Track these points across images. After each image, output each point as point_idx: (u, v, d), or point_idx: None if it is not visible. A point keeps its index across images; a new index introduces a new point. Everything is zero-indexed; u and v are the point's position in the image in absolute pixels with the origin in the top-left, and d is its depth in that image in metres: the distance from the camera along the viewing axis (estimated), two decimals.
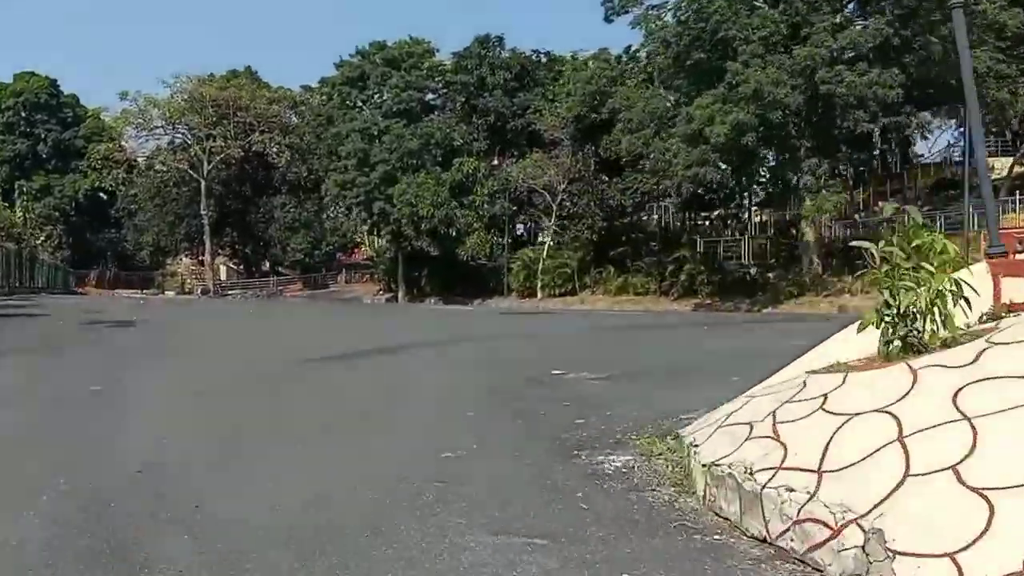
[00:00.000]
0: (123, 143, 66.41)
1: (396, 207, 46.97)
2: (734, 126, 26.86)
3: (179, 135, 66.47)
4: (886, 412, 4.30)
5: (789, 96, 26.37)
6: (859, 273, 22.34)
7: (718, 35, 29.02)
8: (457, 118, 48.42)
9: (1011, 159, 37.13)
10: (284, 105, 66.08)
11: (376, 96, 52.62)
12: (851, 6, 28.97)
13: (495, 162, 46.28)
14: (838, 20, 27.06)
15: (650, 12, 32.38)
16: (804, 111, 27.33)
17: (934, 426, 4.02)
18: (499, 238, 48.93)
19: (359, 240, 70.85)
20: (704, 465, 4.79)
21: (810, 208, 28.10)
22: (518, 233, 52.20)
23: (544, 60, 48.96)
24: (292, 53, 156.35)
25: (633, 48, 35.29)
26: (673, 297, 36.38)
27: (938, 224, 30.30)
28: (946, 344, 4.87)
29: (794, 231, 35.83)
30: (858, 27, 26.95)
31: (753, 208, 40.48)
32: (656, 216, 44.88)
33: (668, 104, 32.21)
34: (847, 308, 28.82)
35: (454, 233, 46.16)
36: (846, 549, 3.55)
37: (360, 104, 53.15)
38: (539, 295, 44.26)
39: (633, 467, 5.59)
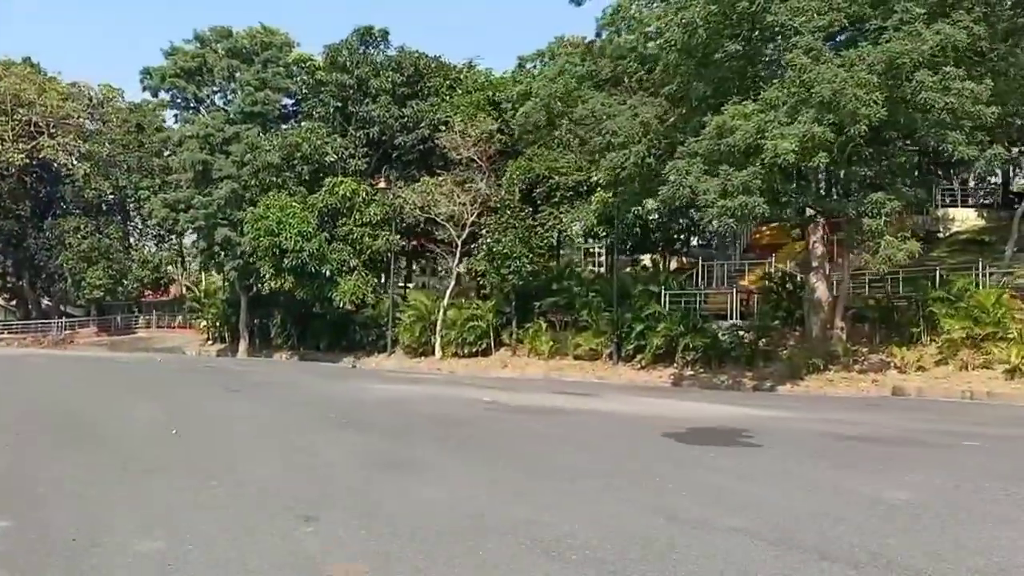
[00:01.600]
0: None
1: (249, 235, 36.25)
2: (804, 140, 19.37)
3: None
4: None
5: (871, 106, 19.23)
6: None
7: (758, 22, 21.63)
8: (330, 128, 38.51)
9: None
10: (82, 104, 52.86)
11: (219, 96, 41.65)
12: None
13: (381, 185, 36.75)
14: (923, 11, 20.31)
15: None
16: (881, 127, 20.29)
17: None
18: (383, 280, 39.33)
19: (173, 276, 58.23)
20: None
21: (879, 258, 21.02)
22: (410, 274, 42.71)
23: (436, 64, 40.00)
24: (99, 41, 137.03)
25: (600, 42, 27.33)
26: (640, 364, 28.37)
27: None
28: None
29: (787, 283, 28.92)
30: (946, 24, 20.37)
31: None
32: (598, 257, 36.84)
33: (659, 112, 24.37)
34: (905, 390, 21.94)
35: (327, 272, 36.01)
36: None
37: (196, 104, 41.87)
38: (439, 354, 34.98)
39: None
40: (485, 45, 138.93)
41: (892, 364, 23.70)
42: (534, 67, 32.97)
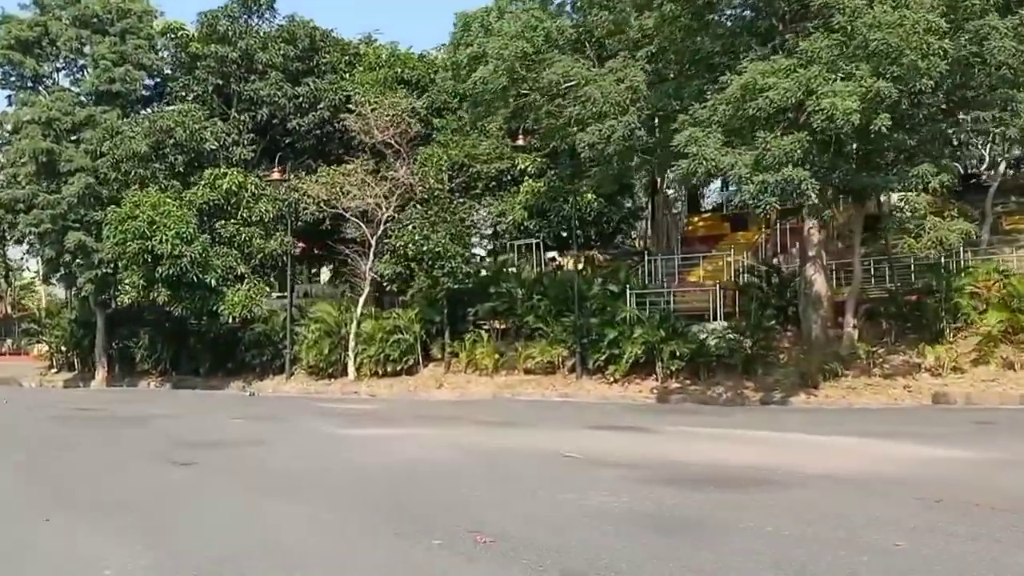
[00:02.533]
0: None
1: (111, 239, 29.70)
2: (868, 98, 15.70)
3: None
4: None
5: (933, 57, 15.81)
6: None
7: None
8: (208, 110, 32.36)
9: None
10: None
11: (65, 73, 34.58)
12: None
13: (273, 176, 30.99)
14: None
15: None
16: (944, 83, 16.89)
17: None
18: (279, 289, 33.54)
19: None
20: None
21: (925, 241, 17.67)
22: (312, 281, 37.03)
23: (332, 39, 34.56)
24: None
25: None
26: (613, 377, 24.18)
27: None
28: None
29: (774, 276, 25.51)
30: None
31: None
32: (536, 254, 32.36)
33: (643, 77, 20.30)
34: (948, 396, 18.79)
35: (211, 281, 29.94)
36: None
37: (36, 82, 34.55)
38: (353, 374, 29.64)
39: None
40: (377, 21, 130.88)
41: (921, 366, 20.51)
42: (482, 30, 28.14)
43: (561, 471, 8.54)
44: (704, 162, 17.09)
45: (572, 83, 21.00)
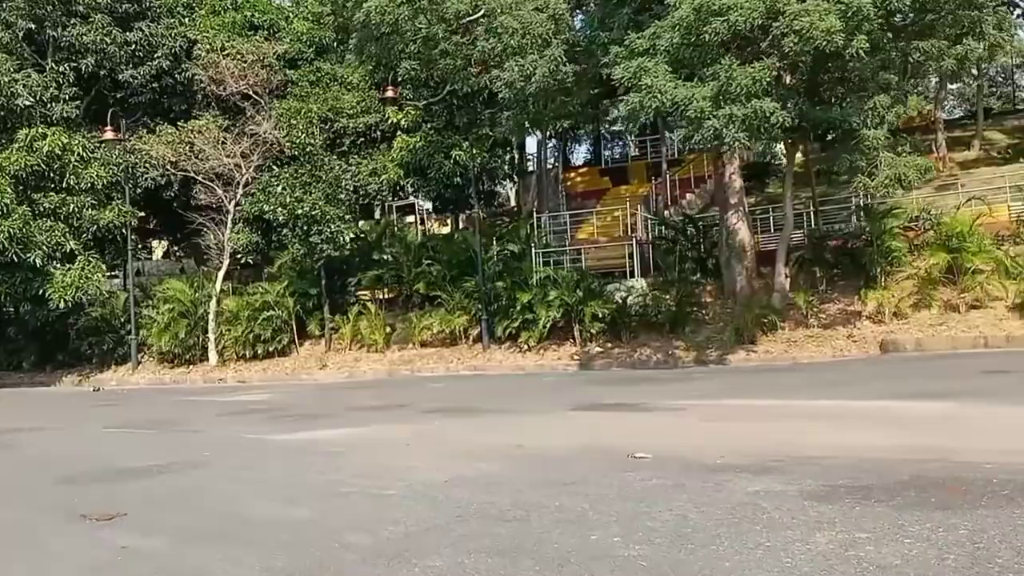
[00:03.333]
0: None
1: None
2: (848, 17, 14.06)
3: None
4: None
5: None
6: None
7: None
8: (18, 60, 27.17)
9: None
10: None
11: None
12: None
13: (106, 136, 26.42)
14: None
15: None
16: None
17: None
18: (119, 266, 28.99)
19: None
20: None
21: (885, 180, 16.45)
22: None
23: None
24: None
25: None
26: (527, 345, 21.94)
27: None
28: None
29: (690, 227, 23.99)
30: None
31: None
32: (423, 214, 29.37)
33: (566, 5, 18.01)
34: (899, 344, 17.88)
35: (35, 261, 25.22)
36: None
37: None
38: (215, 359, 25.88)
39: None
40: None
41: (861, 314, 19.55)
42: None
43: (707, 491, 5.88)
44: (659, 95, 14.98)
45: (481, 13, 18.35)
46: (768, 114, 14.47)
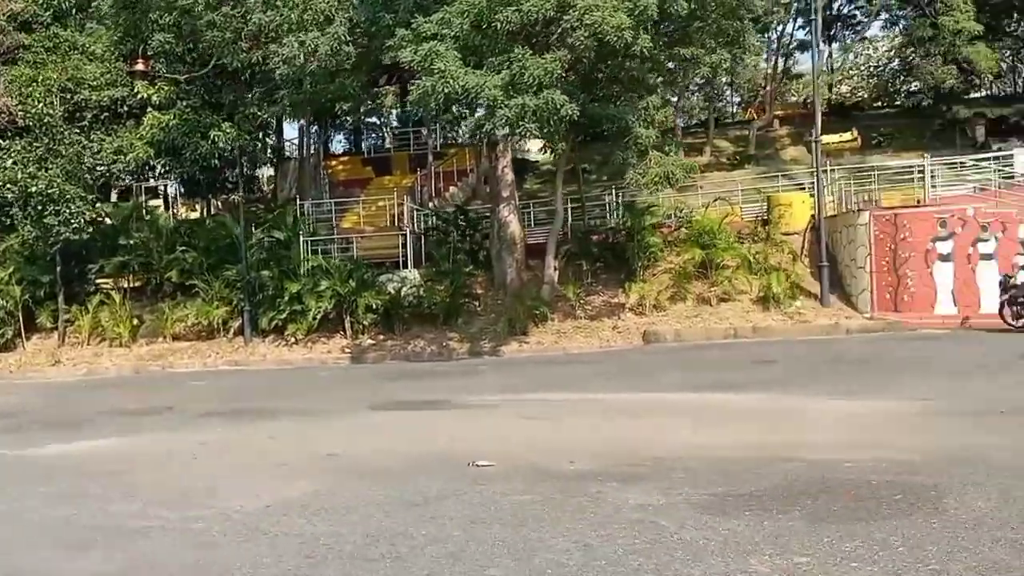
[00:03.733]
0: None
1: None
2: (635, 15, 14.47)
3: None
4: None
5: None
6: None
7: None
8: None
9: None
10: None
11: None
12: None
13: None
14: None
15: None
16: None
17: None
18: None
19: None
20: None
21: (655, 178, 17.22)
22: None
23: None
24: None
25: None
26: (294, 338, 20.79)
27: None
28: None
29: (461, 218, 23.84)
30: None
31: None
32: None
33: None
34: (660, 334, 19.04)
35: None
36: None
37: None
38: None
39: None
40: None
41: (625, 306, 20.48)
42: None
43: (587, 507, 5.45)
44: (451, 81, 14.63)
45: None
46: (559, 106, 14.60)
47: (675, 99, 26.51)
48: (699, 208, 22.85)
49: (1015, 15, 28.26)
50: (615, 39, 14.10)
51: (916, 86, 38.28)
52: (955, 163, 23.19)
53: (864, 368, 13.30)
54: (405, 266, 22.17)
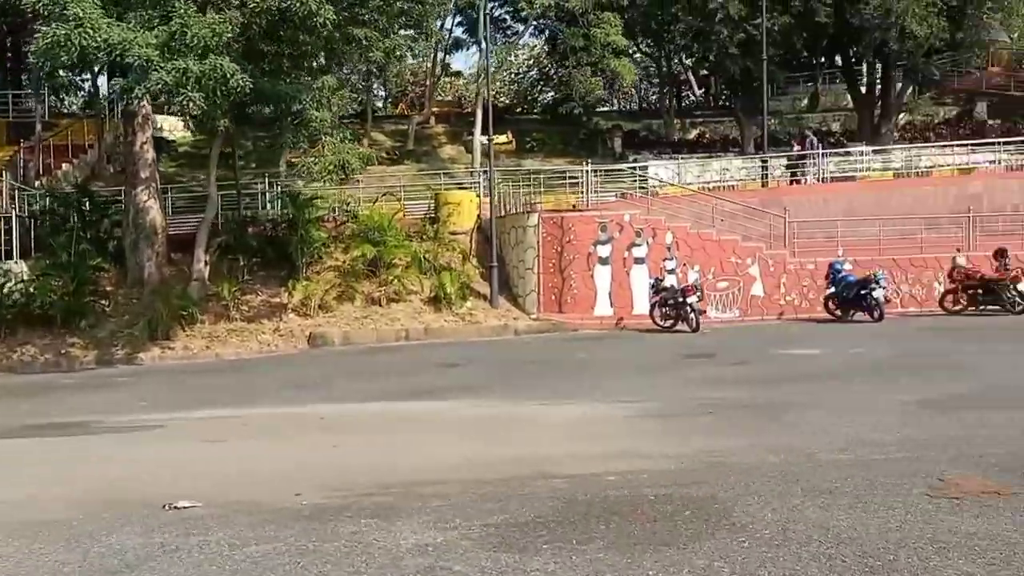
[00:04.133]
0: None
1: None
2: None
3: None
4: None
5: None
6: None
7: None
8: None
9: None
10: None
11: None
12: None
13: None
14: None
15: None
16: None
17: None
18: None
19: None
20: None
21: (330, 166, 15.50)
22: None
23: None
24: None
25: None
26: None
27: None
28: None
29: (86, 202, 20.10)
30: None
31: None
32: None
33: None
34: (328, 337, 17.71)
35: None
36: None
37: None
38: None
39: None
40: None
41: (288, 306, 18.60)
42: None
43: (355, 555, 4.00)
44: (91, 32, 11.80)
45: None
46: (228, 75, 12.42)
47: (349, 82, 24.85)
48: (364, 203, 21.55)
49: (648, 34, 30.67)
50: (298, 4, 12.26)
51: (553, 96, 40.72)
52: (606, 170, 24.33)
53: (554, 369, 12.94)
54: (9, 257, 18.15)
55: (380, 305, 18.84)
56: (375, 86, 41.67)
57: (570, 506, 5.07)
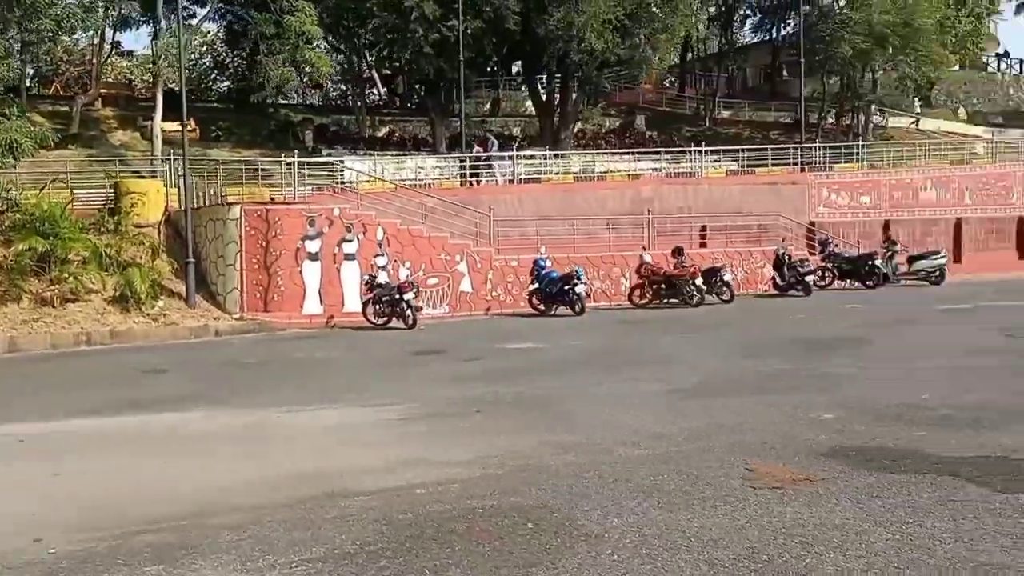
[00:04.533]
0: None
1: None
2: None
3: None
4: None
5: None
6: None
7: None
8: None
9: None
10: None
11: None
12: None
13: None
14: None
15: None
16: None
17: None
18: None
19: None
20: None
21: None
22: None
23: None
24: None
25: None
26: None
27: None
28: None
29: None
30: None
31: None
32: None
33: None
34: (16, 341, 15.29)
35: None
36: None
37: None
38: None
39: None
40: None
41: None
42: None
43: None
44: None
45: None
46: None
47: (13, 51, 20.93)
48: (28, 190, 18.70)
49: (338, 29, 29.95)
50: None
51: (230, 85, 38.53)
52: (311, 163, 23.36)
53: (277, 372, 12.07)
54: None
55: (53, 306, 16.43)
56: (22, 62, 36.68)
57: (395, 528, 4.62)
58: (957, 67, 46.81)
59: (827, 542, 4.07)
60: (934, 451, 5.72)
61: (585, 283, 18.65)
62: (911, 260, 23.35)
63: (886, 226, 27.69)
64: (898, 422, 6.72)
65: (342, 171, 24.18)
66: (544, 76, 34.03)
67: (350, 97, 39.99)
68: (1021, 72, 55.05)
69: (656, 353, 12.20)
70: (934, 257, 23.25)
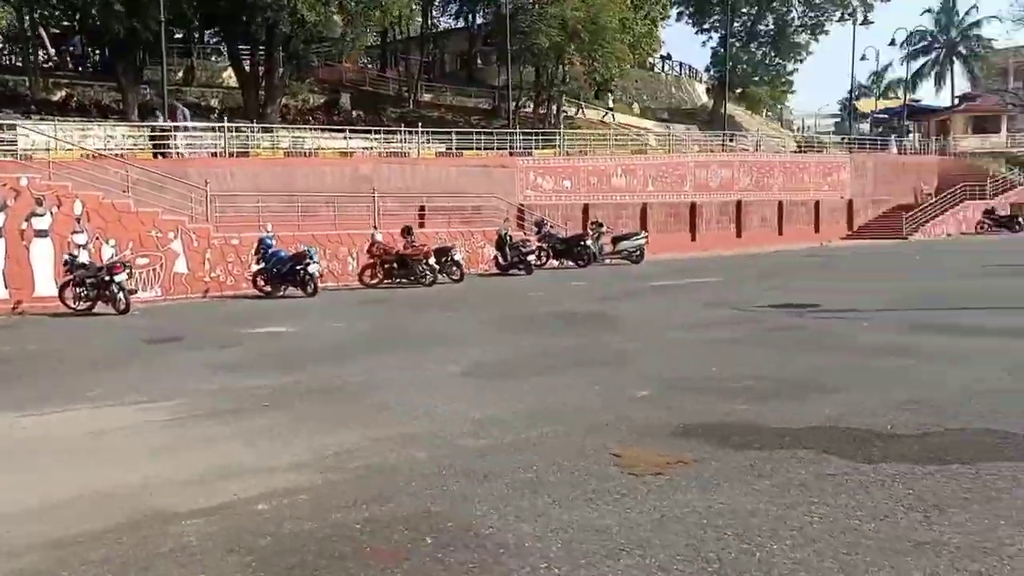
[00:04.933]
0: None
1: None
2: None
3: None
4: None
5: None
6: None
7: None
8: None
9: None
10: None
11: None
12: None
13: None
14: None
15: None
16: None
17: None
18: None
19: None
20: None
21: None
22: None
23: None
24: None
25: None
26: None
27: None
28: None
29: None
30: None
31: None
32: None
33: None
34: None
35: None
36: None
37: None
38: None
39: None
40: None
41: None
42: None
43: None
44: None
45: None
46: None
47: None
48: None
49: None
50: None
51: None
52: None
53: None
54: None
55: None
56: None
57: (263, 560, 3.90)
58: (631, 66, 51.19)
59: (757, 531, 4.00)
60: (771, 424, 5.96)
61: (318, 263, 17.81)
62: (615, 240, 25.05)
63: (585, 209, 29.48)
64: (713, 395, 7.00)
65: (15, 139, 21.00)
66: (249, 46, 31.98)
67: (15, 56, 34.90)
68: (680, 73, 61.70)
69: (429, 333, 11.85)
70: (635, 238, 25.14)
